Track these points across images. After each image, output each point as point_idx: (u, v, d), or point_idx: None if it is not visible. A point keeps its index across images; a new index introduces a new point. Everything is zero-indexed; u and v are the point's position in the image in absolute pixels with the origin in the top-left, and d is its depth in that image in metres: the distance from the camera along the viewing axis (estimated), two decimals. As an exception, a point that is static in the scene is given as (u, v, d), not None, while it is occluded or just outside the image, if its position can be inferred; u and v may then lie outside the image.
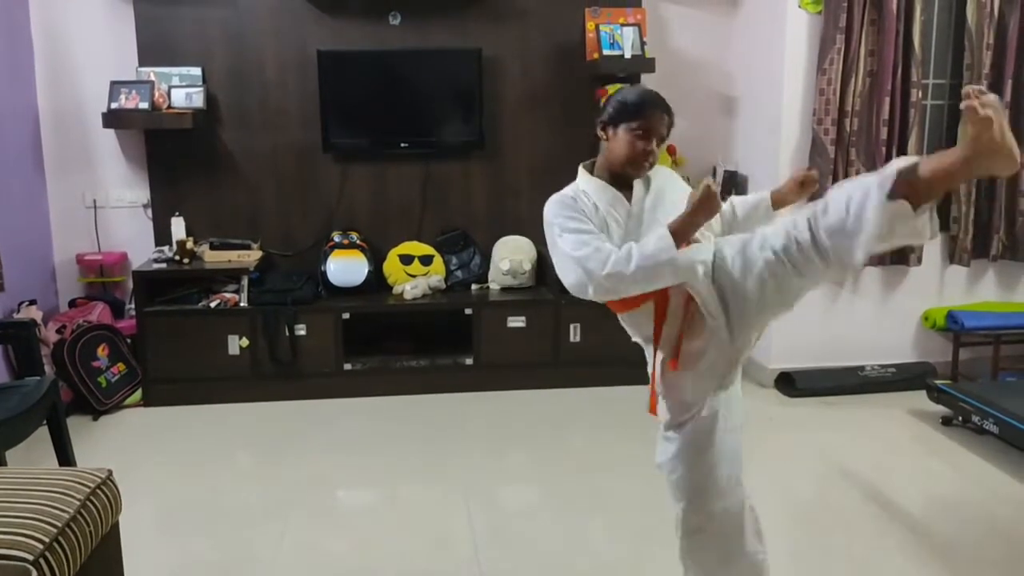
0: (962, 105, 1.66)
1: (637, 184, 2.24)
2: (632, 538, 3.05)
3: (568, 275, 2.09)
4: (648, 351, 2.28)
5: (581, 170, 2.30)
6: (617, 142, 2.20)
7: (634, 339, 2.33)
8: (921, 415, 4.17)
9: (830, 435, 4.02)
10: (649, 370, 2.27)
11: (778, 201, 2.35)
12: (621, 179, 2.24)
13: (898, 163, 1.78)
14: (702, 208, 2.02)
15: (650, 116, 2.17)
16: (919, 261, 4.49)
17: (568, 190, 2.25)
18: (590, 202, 2.19)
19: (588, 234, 2.09)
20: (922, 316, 4.68)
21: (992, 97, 1.65)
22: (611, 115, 2.22)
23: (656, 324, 2.17)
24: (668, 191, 2.26)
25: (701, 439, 2.19)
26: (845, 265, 1.86)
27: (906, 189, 1.72)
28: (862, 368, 4.55)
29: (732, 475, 2.23)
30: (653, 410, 2.27)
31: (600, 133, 2.27)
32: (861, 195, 1.77)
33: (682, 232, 2.02)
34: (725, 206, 2.33)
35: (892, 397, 4.42)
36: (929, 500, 3.36)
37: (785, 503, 3.34)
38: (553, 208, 2.19)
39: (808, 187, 2.33)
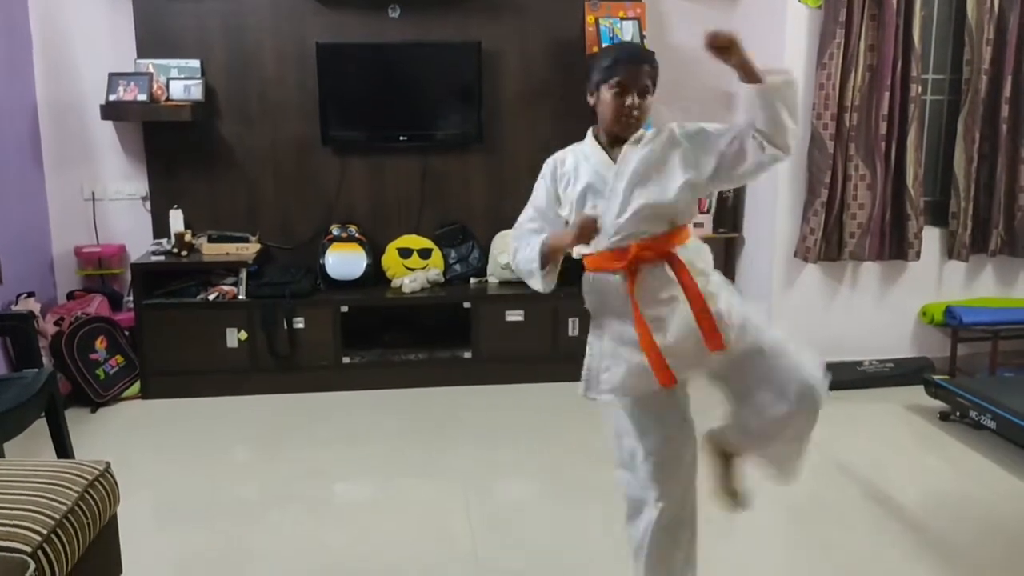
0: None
1: (628, 145, 2.21)
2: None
3: None
4: (595, 326, 2.33)
5: (589, 132, 2.32)
6: (601, 104, 2.22)
7: (586, 305, 2.35)
8: (919, 410, 4.17)
9: (827, 430, 3.96)
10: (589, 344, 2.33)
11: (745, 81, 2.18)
12: (619, 142, 2.23)
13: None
14: (578, 235, 2.14)
15: (626, 70, 2.18)
16: (917, 256, 4.50)
17: (566, 150, 2.34)
18: (582, 162, 2.26)
19: (528, 214, 2.37)
20: (920, 311, 4.69)
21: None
22: (593, 79, 2.25)
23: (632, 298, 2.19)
24: (663, 152, 2.21)
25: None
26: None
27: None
28: (860, 363, 4.55)
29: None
30: (668, 380, 2.17)
31: (590, 99, 2.28)
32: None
33: (553, 250, 2.24)
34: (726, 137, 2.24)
35: (890, 392, 4.42)
36: (926, 495, 3.37)
37: (782, 498, 3.34)
38: (545, 163, 2.37)
39: (720, 43, 2.16)
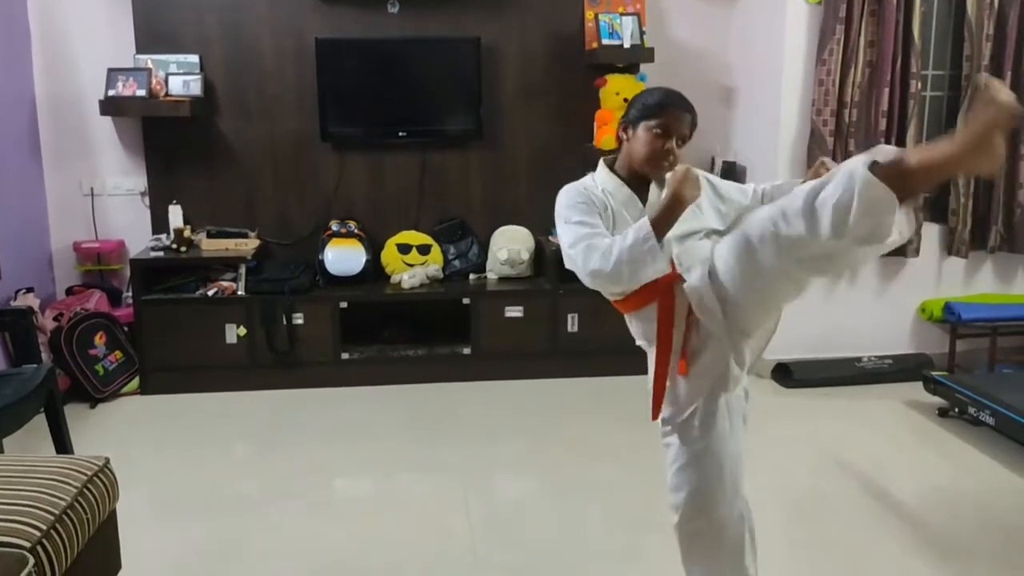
0: (981, 81, 1.61)
1: (654, 186, 2.20)
2: (629, 527, 3.06)
3: (568, 263, 2.13)
4: (651, 354, 2.23)
5: (601, 164, 2.27)
6: (637, 141, 2.17)
7: (638, 342, 2.30)
8: (917, 406, 4.18)
9: (826, 426, 4.03)
10: (650, 374, 2.22)
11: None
12: (639, 180, 2.21)
13: (883, 150, 1.74)
14: (679, 190, 2.01)
15: (671, 115, 2.14)
16: (917, 252, 4.50)
17: (584, 180, 2.24)
18: (603, 196, 2.18)
19: (587, 227, 2.09)
20: (919, 307, 4.69)
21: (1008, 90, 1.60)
22: (633, 114, 2.19)
23: (660, 326, 2.13)
24: (702, 192, 2.20)
25: (697, 441, 2.17)
26: (836, 233, 1.72)
27: (890, 175, 1.65)
28: (859, 359, 4.55)
29: (731, 483, 2.22)
30: (656, 416, 2.22)
31: (622, 134, 2.23)
32: (849, 172, 1.71)
33: (662, 219, 2.01)
34: (750, 196, 2.28)
35: (889, 388, 4.43)
36: (925, 491, 3.37)
37: (781, 493, 3.35)
38: (563, 197, 2.19)
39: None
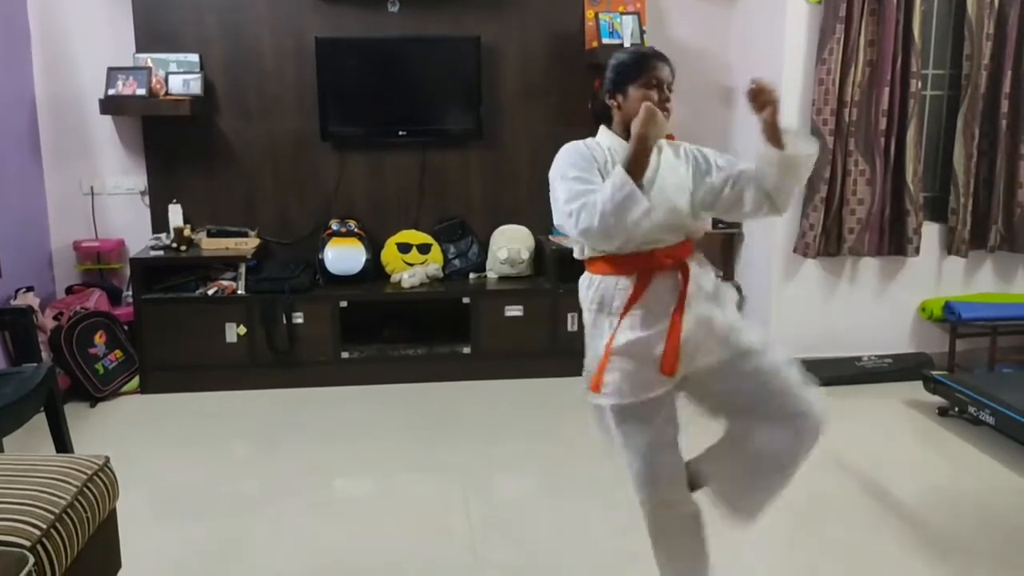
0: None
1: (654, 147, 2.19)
2: (628, 526, 3.05)
3: (559, 219, 2.15)
4: (603, 323, 2.22)
5: (603, 129, 2.28)
6: (632, 102, 2.18)
7: (585, 310, 2.28)
8: (918, 406, 4.18)
9: (826, 425, 4.01)
10: (599, 344, 2.21)
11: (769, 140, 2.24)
12: None
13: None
14: (643, 131, 2.03)
15: (654, 67, 2.18)
16: (917, 252, 4.49)
17: (588, 140, 2.25)
18: (606, 153, 2.19)
19: (583, 183, 2.09)
20: (919, 307, 4.69)
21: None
22: (615, 80, 2.22)
23: (634, 294, 2.16)
24: (679, 151, 2.29)
25: (638, 423, 2.20)
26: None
27: None
28: (859, 359, 4.55)
29: (674, 472, 2.26)
30: (597, 387, 2.20)
31: (610, 102, 2.24)
32: None
33: (633, 161, 2.04)
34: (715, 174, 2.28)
35: (889, 388, 4.43)
36: (925, 490, 3.37)
37: (781, 492, 3.35)
38: (563, 153, 2.20)
39: (762, 99, 2.20)
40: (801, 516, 3.17)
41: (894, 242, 4.51)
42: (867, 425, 4.01)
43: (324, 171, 4.76)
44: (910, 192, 4.41)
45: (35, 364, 3.31)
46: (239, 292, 4.43)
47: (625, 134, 2.21)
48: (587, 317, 2.28)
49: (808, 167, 2.20)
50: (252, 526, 3.07)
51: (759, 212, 2.24)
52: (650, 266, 2.16)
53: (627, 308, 2.17)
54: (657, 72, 2.18)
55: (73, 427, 3.34)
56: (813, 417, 2.23)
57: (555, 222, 2.17)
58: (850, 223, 4.43)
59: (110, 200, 4.72)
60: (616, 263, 2.19)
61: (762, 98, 2.17)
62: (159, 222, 4.66)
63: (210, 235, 4.57)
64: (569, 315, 4.54)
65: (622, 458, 2.26)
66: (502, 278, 4.70)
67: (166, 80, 4.48)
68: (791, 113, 4.40)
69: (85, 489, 2.22)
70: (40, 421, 3.18)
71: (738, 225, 4.86)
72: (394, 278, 4.65)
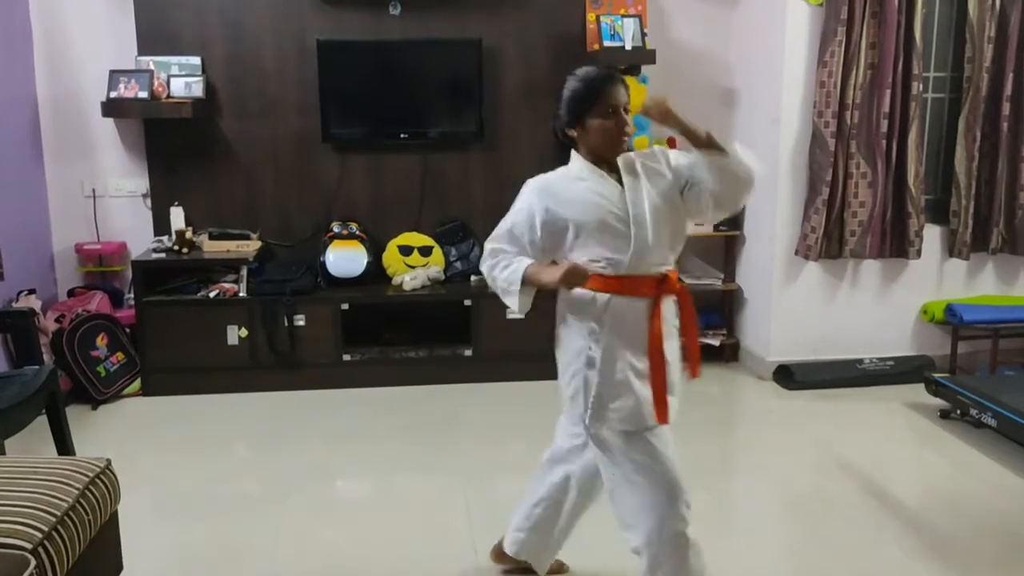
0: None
1: (621, 161, 2.24)
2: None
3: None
4: (567, 338, 2.35)
5: (574, 155, 2.31)
6: (591, 133, 2.20)
7: (560, 323, 2.39)
8: (919, 408, 4.17)
9: (828, 428, 4.02)
10: (562, 375, 2.37)
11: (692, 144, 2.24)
12: (606, 163, 2.25)
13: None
14: (564, 281, 2.14)
15: (606, 93, 2.18)
16: (918, 254, 4.49)
17: (557, 172, 2.30)
18: (583, 190, 2.22)
19: (507, 235, 2.29)
20: (921, 309, 4.68)
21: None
22: (572, 112, 2.23)
23: (653, 328, 2.21)
24: (648, 161, 2.28)
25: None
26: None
27: None
28: (860, 361, 4.55)
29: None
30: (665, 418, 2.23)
31: (572, 135, 2.26)
32: None
33: (536, 279, 2.21)
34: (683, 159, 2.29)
35: (890, 390, 4.42)
36: (926, 493, 3.37)
37: (783, 495, 3.35)
38: (525, 190, 2.31)
39: (656, 112, 2.19)
40: (802, 518, 3.17)
41: (895, 244, 4.51)
42: (868, 427, 4.01)
43: (325, 173, 4.76)
44: (911, 195, 4.41)
45: (37, 367, 3.31)
46: (240, 294, 4.43)
47: (592, 159, 2.25)
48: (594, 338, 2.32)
49: (735, 159, 2.16)
50: (253, 528, 3.07)
51: (715, 216, 2.31)
52: (667, 289, 2.24)
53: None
54: (611, 98, 2.17)
55: (75, 429, 3.34)
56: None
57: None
58: (851, 225, 4.42)
59: (112, 203, 4.72)
60: (632, 282, 2.22)
61: (656, 111, 2.17)
62: (161, 225, 4.66)
63: (211, 237, 4.57)
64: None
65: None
66: (503, 280, 4.69)
67: (168, 83, 4.48)
68: (792, 115, 4.40)
69: (87, 491, 2.22)
70: (42, 423, 3.18)
71: (739, 227, 4.86)
72: (395, 280, 4.65)
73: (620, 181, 2.23)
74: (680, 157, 2.29)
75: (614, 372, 2.22)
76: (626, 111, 2.20)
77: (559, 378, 2.35)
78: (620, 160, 2.24)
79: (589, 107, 2.18)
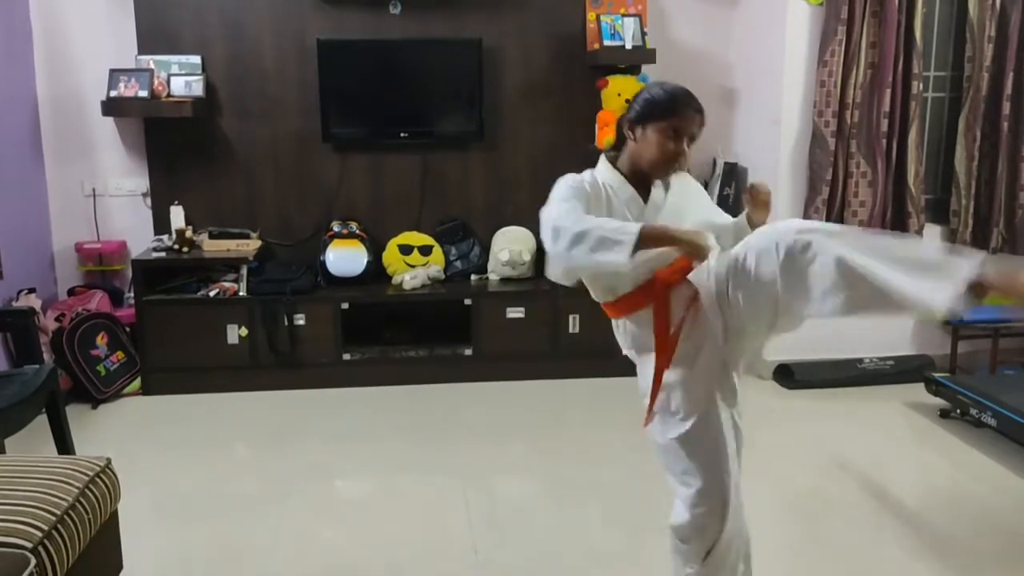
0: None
1: (656, 184, 2.18)
2: (629, 528, 3.06)
3: (543, 229, 2.04)
4: (641, 362, 2.22)
5: (603, 160, 2.22)
6: (646, 143, 2.11)
7: (625, 351, 2.27)
8: (919, 408, 4.17)
9: (828, 427, 4.02)
10: (643, 383, 2.19)
11: (752, 222, 2.21)
12: (643, 178, 2.17)
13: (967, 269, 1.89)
14: (685, 245, 1.96)
15: (682, 115, 2.08)
16: (918, 254, 4.48)
17: (586, 175, 2.17)
18: (611, 194, 2.14)
19: (576, 211, 2.02)
20: (921, 309, 4.67)
21: None
22: (640, 113, 2.13)
23: (658, 329, 2.11)
24: (690, 197, 2.24)
25: (697, 446, 2.14)
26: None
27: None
28: (860, 360, 4.55)
29: (734, 495, 2.20)
30: (647, 423, 2.19)
31: (627, 132, 2.17)
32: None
33: (654, 237, 1.95)
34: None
35: (890, 390, 4.43)
36: (926, 493, 3.37)
37: (783, 495, 3.35)
38: (562, 183, 2.13)
39: (761, 200, 2.17)
40: (802, 517, 3.17)
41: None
42: (868, 427, 4.01)
43: (325, 173, 4.76)
44: (911, 194, 4.41)
45: (37, 366, 3.31)
46: (240, 294, 4.43)
47: (628, 168, 2.17)
48: (631, 356, 2.26)
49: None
50: (253, 528, 3.07)
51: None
52: (663, 286, 2.10)
53: (659, 338, 2.12)
54: (684, 122, 2.09)
55: (75, 429, 3.34)
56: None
57: (544, 240, 2.06)
58: (852, 225, 4.42)
59: (112, 202, 4.72)
60: (625, 303, 2.16)
61: (758, 196, 2.15)
62: (161, 224, 4.66)
63: (212, 237, 4.57)
64: (571, 317, 4.53)
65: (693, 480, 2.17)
66: (503, 280, 4.70)
67: (168, 82, 4.48)
68: (792, 115, 4.40)
69: (87, 490, 2.22)
70: (42, 423, 3.18)
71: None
72: (395, 280, 4.65)
73: (646, 198, 2.17)
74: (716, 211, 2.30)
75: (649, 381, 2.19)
76: (690, 143, 2.11)
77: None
78: (658, 182, 2.18)
79: (659, 118, 2.09)
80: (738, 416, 2.22)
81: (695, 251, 1.96)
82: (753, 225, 2.17)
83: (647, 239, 1.93)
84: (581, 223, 1.96)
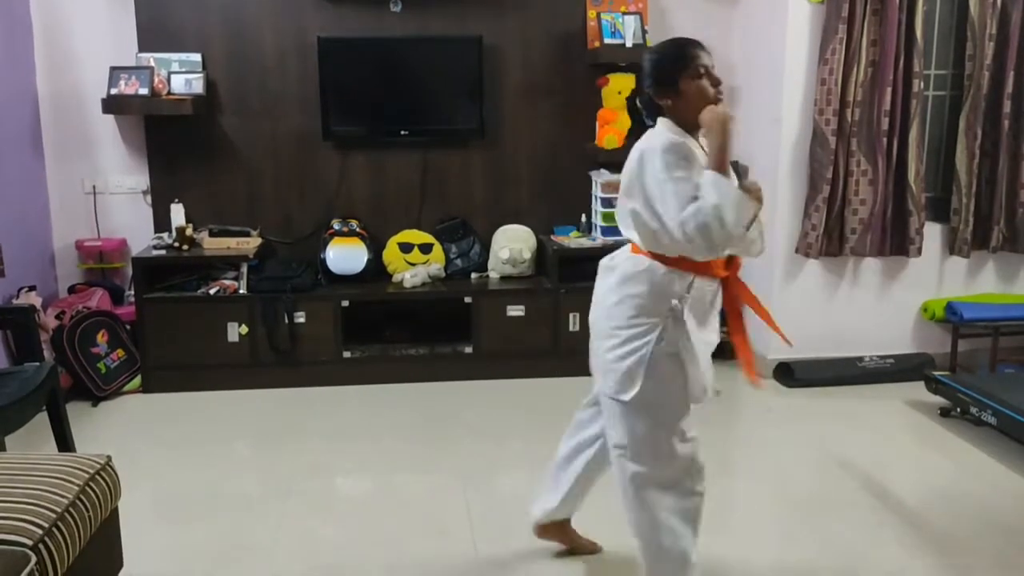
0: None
1: (701, 136, 2.19)
2: (626, 526, 3.05)
3: (669, 221, 2.07)
4: (697, 322, 2.26)
5: (666, 125, 2.19)
6: (688, 96, 2.13)
7: (673, 303, 2.23)
8: (919, 406, 4.17)
9: (828, 425, 4.02)
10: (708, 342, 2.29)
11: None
12: (695, 130, 2.19)
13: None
14: (721, 133, 2.03)
15: (697, 55, 2.14)
16: (919, 252, 4.49)
17: (670, 135, 2.14)
18: (688, 146, 2.15)
19: (691, 186, 2.05)
20: (921, 307, 4.68)
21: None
22: (661, 78, 2.15)
23: (729, 300, 2.28)
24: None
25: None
26: None
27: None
28: (861, 359, 4.55)
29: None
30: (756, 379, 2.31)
31: (662, 102, 2.17)
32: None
33: (721, 166, 2.05)
34: None
35: (891, 388, 4.43)
36: (926, 491, 3.37)
37: (783, 493, 3.35)
38: (659, 158, 2.09)
39: (720, 123, 2.12)
40: (802, 515, 3.17)
41: (896, 242, 4.51)
42: (868, 425, 4.01)
43: (326, 170, 4.76)
44: (912, 192, 4.41)
45: (37, 363, 3.31)
46: (241, 291, 4.43)
47: (688, 129, 2.17)
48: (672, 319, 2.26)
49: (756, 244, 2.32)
50: (253, 526, 3.07)
51: None
52: (736, 267, 2.23)
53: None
54: (702, 59, 2.13)
55: (75, 426, 3.35)
56: None
57: (667, 225, 2.06)
58: (852, 223, 4.42)
59: (112, 199, 4.72)
60: (710, 264, 2.22)
61: (715, 120, 2.14)
62: (161, 221, 4.66)
63: (212, 234, 4.57)
64: (571, 315, 4.53)
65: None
66: (504, 278, 4.70)
67: (168, 79, 4.48)
68: (793, 113, 4.40)
69: (87, 488, 2.22)
70: (42, 420, 3.18)
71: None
72: (396, 278, 4.65)
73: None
74: None
75: (692, 351, 2.24)
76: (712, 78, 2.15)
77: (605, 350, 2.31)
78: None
79: (683, 68, 2.11)
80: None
81: (728, 127, 2.06)
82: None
83: (722, 171, 2.05)
84: (710, 212, 2.00)
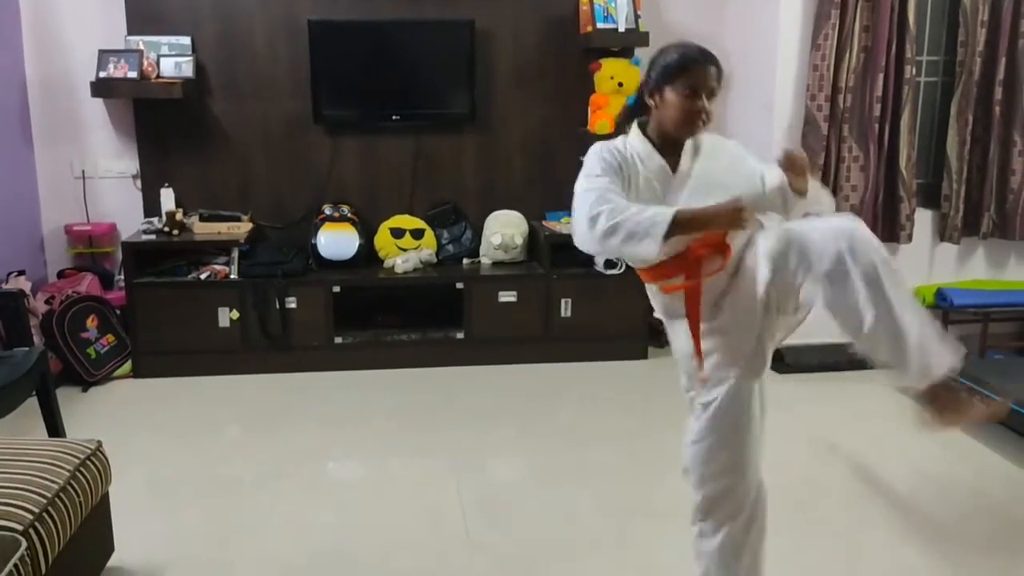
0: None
1: (686, 150, 2.15)
2: (620, 512, 3.07)
3: (574, 214, 2.06)
4: (672, 327, 2.25)
5: (635, 128, 2.20)
6: (666, 107, 2.10)
7: (656, 314, 2.30)
8: (909, 392, 4.18)
9: (819, 411, 4.04)
10: (676, 347, 2.27)
11: (795, 188, 2.22)
12: (671, 144, 2.15)
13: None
14: (722, 219, 1.98)
15: (696, 72, 2.07)
16: (909, 238, 4.50)
17: (617, 143, 2.16)
18: (633, 161, 2.13)
19: (607, 180, 2.05)
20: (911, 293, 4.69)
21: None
22: (655, 79, 2.13)
23: (689, 302, 2.14)
24: (723, 158, 2.21)
25: (724, 419, 2.19)
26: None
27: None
28: (851, 344, 4.56)
29: (754, 466, 2.30)
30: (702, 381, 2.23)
31: (648, 101, 2.16)
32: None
33: (688, 223, 1.96)
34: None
35: (881, 373, 4.43)
36: (916, 477, 3.39)
37: (773, 478, 3.34)
38: (595, 151, 2.12)
39: (798, 167, 2.19)
40: (792, 501, 3.18)
41: (887, 228, 4.52)
42: (859, 411, 4.02)
43: (317, 155, 4.74)
44: (903, 179, 4.42)
45: (27, 348, 3.30)
46: (232, 276, 4.41)
47: (656, 136, 2.16)
48: (663, 319, 2.30)
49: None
50: (245, 510, 3.07)
51: None
52: (695, 259, 2.10)
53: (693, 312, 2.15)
54: (699, 78, 2.07)
55: (65, 412, 3.33)
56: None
57: (574, 219, 2.05)
58: (843, 209, 4.43)
59: (102, 184, 4.69)
60: (657, 271, 2.16)
61: (794, 164, 2.19)
62: (151, 206, 4.64)
63: (202, 219, 4.55)
64: (563, 301, 4.53)
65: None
66: (495, 263, 4.70)
67: (157, 63, 4.45)
68: (785, 99, 4.40)
69: (78, 473, 2.22)
70: (32, 405, 3.17)
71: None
72: (387, 263, 4.64)
73: (676, 165, 2.15)
74: (753, 161, 2.28)
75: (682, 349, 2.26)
76: (710, 98, 2.09)
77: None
78: (688, 142, 2.15)
79: (673, 79, 2.08)
80: (761, 388, 2.27)
81: (733, 224, 2.00)
82: (796, 191, 2.19)
83: (680, 226, 1.95)
84: (615, 214, 1.96)
